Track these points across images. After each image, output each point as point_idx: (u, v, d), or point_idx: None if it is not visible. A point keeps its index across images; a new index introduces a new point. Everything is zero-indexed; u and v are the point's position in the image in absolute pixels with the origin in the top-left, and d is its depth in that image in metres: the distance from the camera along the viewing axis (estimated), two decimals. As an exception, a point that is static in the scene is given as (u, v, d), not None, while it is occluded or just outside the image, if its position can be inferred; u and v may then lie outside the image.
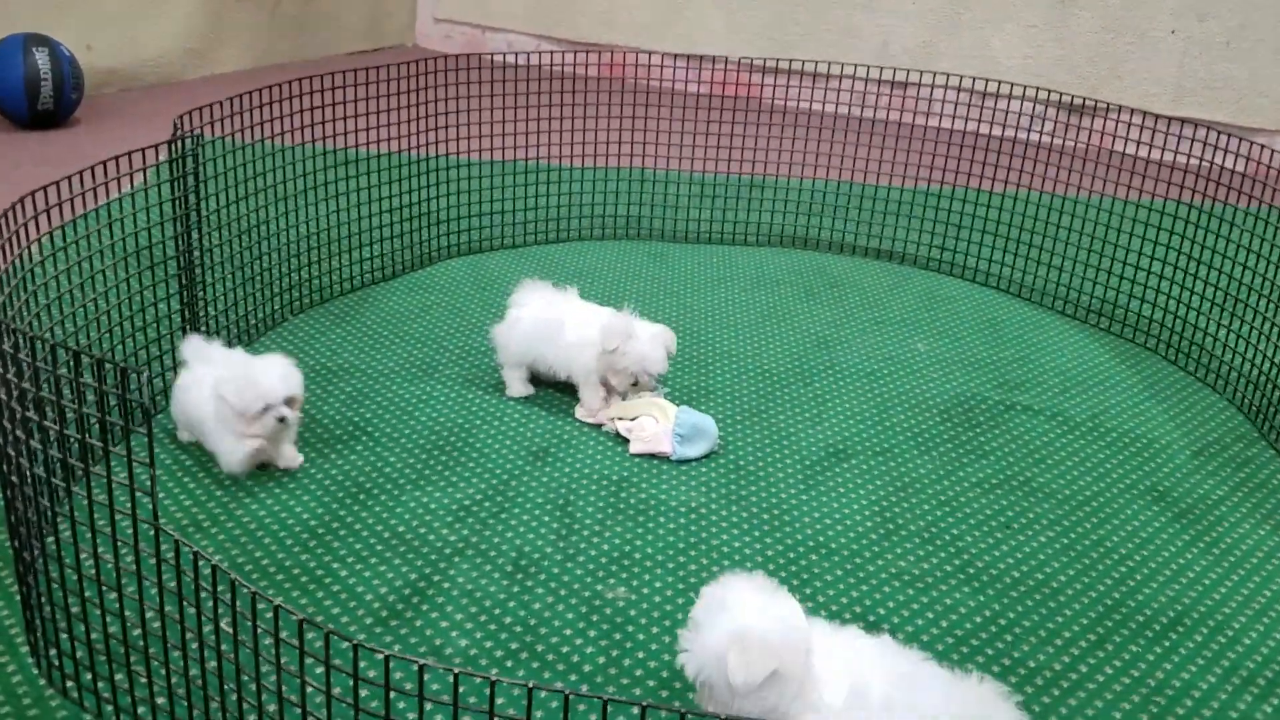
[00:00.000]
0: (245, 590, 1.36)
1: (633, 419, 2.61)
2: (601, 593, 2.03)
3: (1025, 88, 3.85)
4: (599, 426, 2.65)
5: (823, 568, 2.15)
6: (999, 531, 2.31)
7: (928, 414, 2.79)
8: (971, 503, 2.41)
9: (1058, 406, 2.86)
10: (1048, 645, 1.97)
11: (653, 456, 2.52)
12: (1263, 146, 3.10)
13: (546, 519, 2.25)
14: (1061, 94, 3.73)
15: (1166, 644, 1.99)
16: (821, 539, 2.25)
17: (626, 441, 2.57)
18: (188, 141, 2.49)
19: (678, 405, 2.62)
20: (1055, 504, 2.42)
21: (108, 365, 1.45)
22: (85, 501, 1.59)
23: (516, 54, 3.93)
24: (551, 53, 3.93)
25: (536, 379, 2.79)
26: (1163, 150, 3.34)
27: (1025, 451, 2.63)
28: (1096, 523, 2.35)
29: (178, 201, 2.51)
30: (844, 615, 2.01)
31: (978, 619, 2.02)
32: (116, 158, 2.39)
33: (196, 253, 2.63)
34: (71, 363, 1.49)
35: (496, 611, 1.96)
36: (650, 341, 2.62)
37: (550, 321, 2.69)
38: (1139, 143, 3.41)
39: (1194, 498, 2.48)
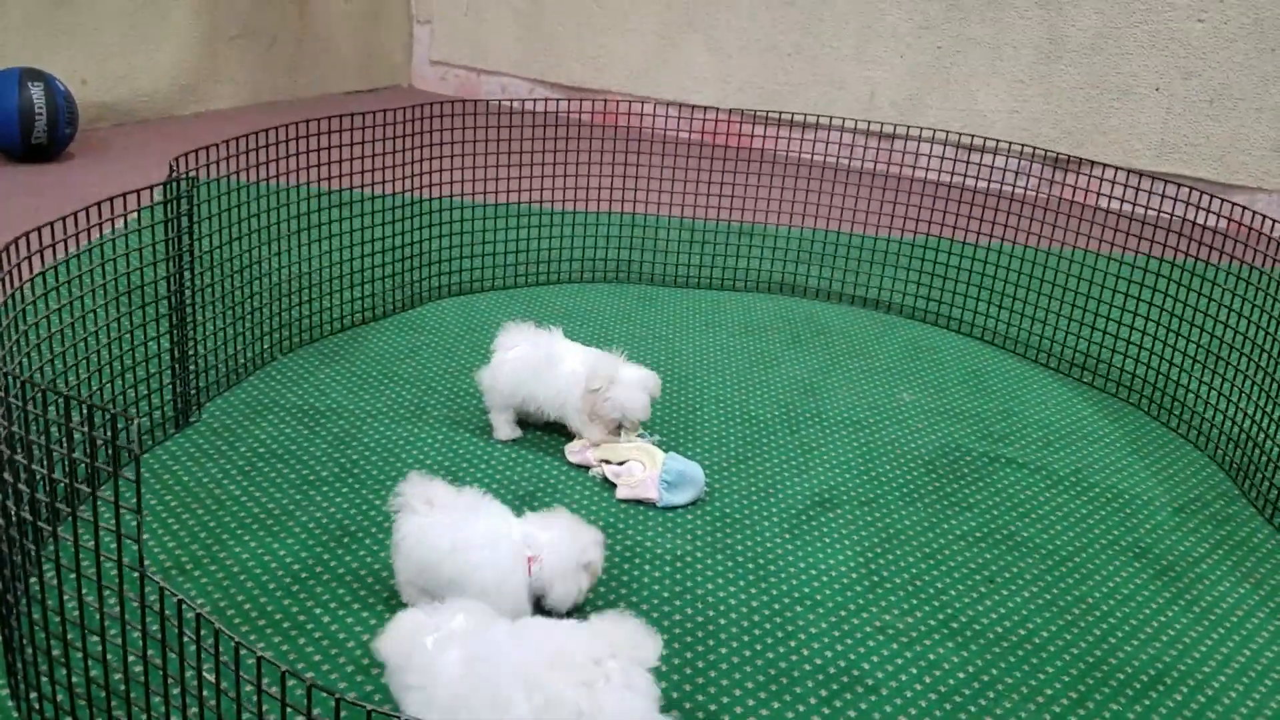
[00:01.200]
0: (229, 638, 1.35)
1: (620, 464, 2.62)
2: (585, 642, 2.03)
3: (1010, 144, 3.91)
4: (586, 469, 2.66)
5: (808, 620, 2.15)
6: (983, 586, 2.31)
7: (913, 465, 2.81)
8: (956, 556, 2.42)
9: (1041, 460, 2.89)
10: (1029, 703, 1.97)
11: (639, 503, 2.53)
12: (1244, 209, 3.15)
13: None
14: (1046, 151, 3.79)
15: (1147, 702, 2.00)
16: (807, 590, 2.25)
17: (613, 486, 2.58)
18: (183, 183, 2.51)
19: (665, 451, 2.63)
20: (1038, 559, 2.43)
21: (96, 411, 1.45)
22: (70, 545, 1.59)
23: (510, 100, 3.97)
24: (545, 99, 3.98)
25: (524, 421, 2.80)
26: (1145, 208, 3.40)
27: (1009, 505, 2.65)
28: (1078, 579, 2.37)
29: (171, 242, 2.52)
30: (828, 670, 2.01)
31: (960, 675, 2.03)
32: (111, 199, 2.41)
33: (188, 292, 2.64)
34: (61, 407, 1.49)
35: (480, 660, 1.96)
36: (632, 387, 2.64)
37: (539, 359, 2.71)
38: (1122, 200, 3.47)
39: (1175, 555, 2.49)
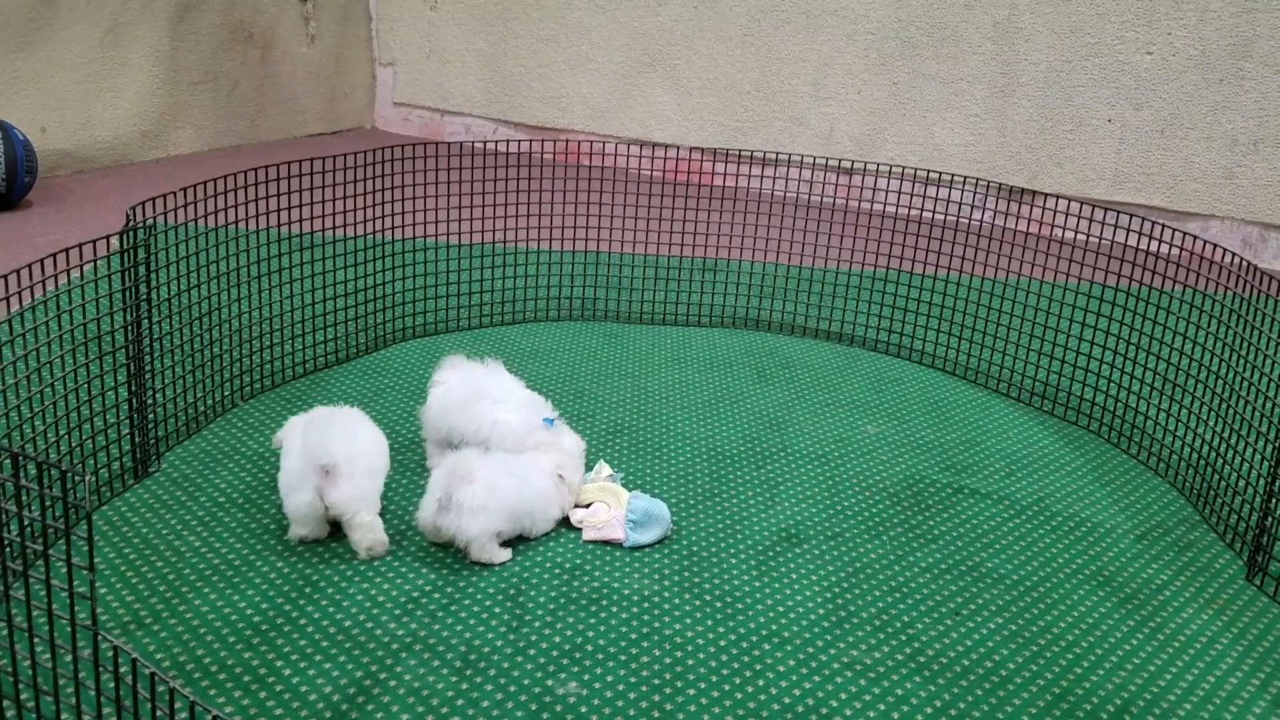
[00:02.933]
0: (184, 696, 1.33)
1: (586, 505, 2.61)
2: (552, 688, 2.01)
3: (965, 179, 3.97)
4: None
5: (775, 658, 2.15)
6: (949, 618, 2.32)
7: (878, 497, 2.82)
8: (922, 588, 2.43)
9: (1004, 490, 2.91)
10: (998, 735, 1.97)
11: (606, 543, 2.52)
12: (1195, 238, 3.21)
13: (497, 610, 2.24)
14: (1000, 184, 3.85)
15: (1114, 732, 2.00)
16: (774, 627, 2.25)
17: (578, 529, 2.57)
18: (140, 231, 2.50)
19: (630, 490, 2.62)
20: (1003, 589, 2.44)
21: (48, 468, 1.43)
22: (23, 602, 1.56)
23: (474, 142, 3.99)
24: (508, 140, 4.00)
25: None
26: (1100, 239, 3.46)
27: (973, 536, 2.66)
28: (1044, 608, 2.38)
29: (128, 291, 2.51)
30: (796, 708, 2.01)
31: (929, 710, 2.03)
32: (67, 250, 2.39)
33: (147, 341, 2.62)
34: (11, 464, 1.47)
35: (444, 710, 1.93)
36: (575, 457, 2.66)
37: (467, 394, 2.73)
38: (1075, 231, 3.52)
39: (1138, 582, 2.51)
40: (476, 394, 2.74)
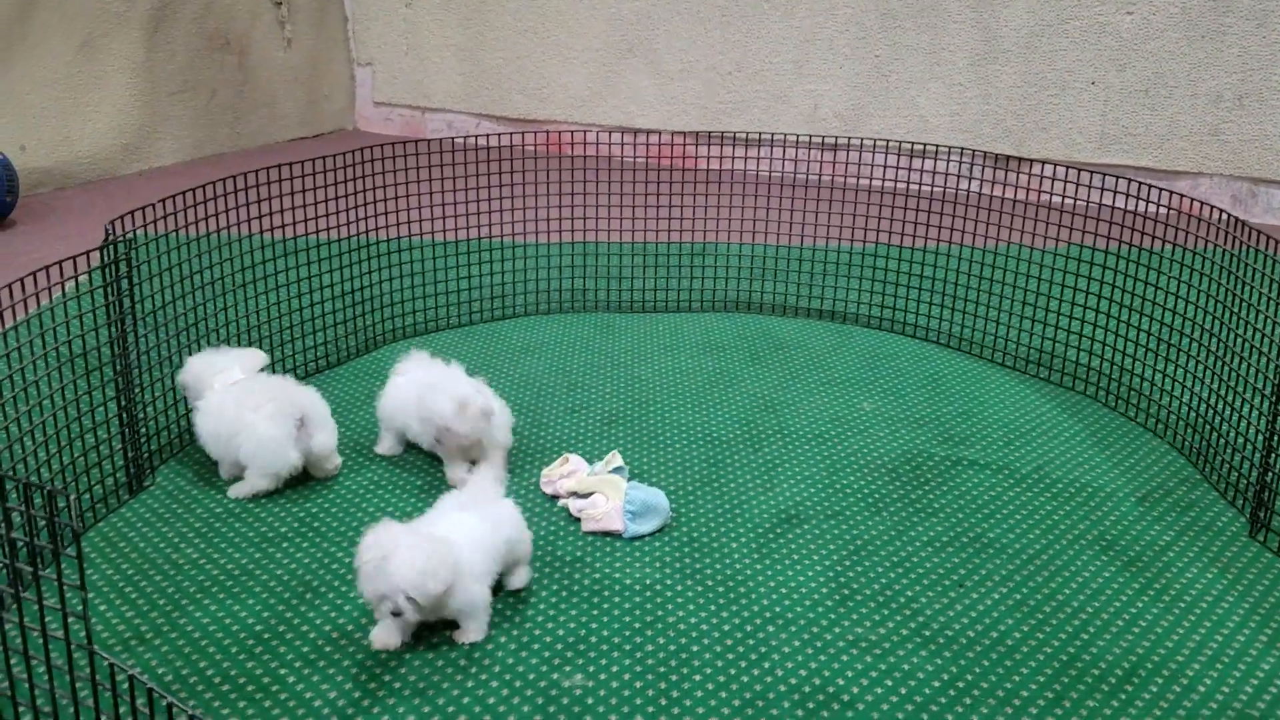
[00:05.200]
0: (183, 710, 1.32)
1: (586, 496, 2.60)
2: (558, 681, 2.01)
3: (950, 149, 3.95)
4: (556, 499, 2.64)
5: (780, 639, 2.14)
6: (952, 591, 2.31)
7: (877, 474, 2.81)
8: (924, 562, 2.42)
9: (1003, 459, 2.90)
10: (1007, 705, 1.97)
11: (605, 535, 2.51)
12: (1182, 196, 3.19)
13: (499, 606, 2.23)
14: (986, 153, 3.83)
15: (1123, 696, 2.00)
16: (778, 609, 2.24)
17: (579, 520, 2.56)
18: (120, 246, 2.48)
19: (627, 481, 2.61)
20: (1006, 559, 2.43)
21: (35, 490, 1.42)
22: (19, 625, 1.55)
23: (455, 137, 3.96)
24: (490, 134, 3.97)
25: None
26: (1086, 202, 3.44)
27: (974, 507, 2.65)
28: (1047, 576, 2.37)
29: (111, 306, 2.49)
30: (803, 689, 2.00)
31: (936, 683, 2.02)
32: (47, 267, 2.37)
33: (134, 354, 2.60)
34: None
35: (450, 709, 1.93)
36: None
37: (417, 389, 2.74)
38: (1064, 196, 3.51)
39: (1141, 545, 2.51)
40: (425, 390, 2.72)
